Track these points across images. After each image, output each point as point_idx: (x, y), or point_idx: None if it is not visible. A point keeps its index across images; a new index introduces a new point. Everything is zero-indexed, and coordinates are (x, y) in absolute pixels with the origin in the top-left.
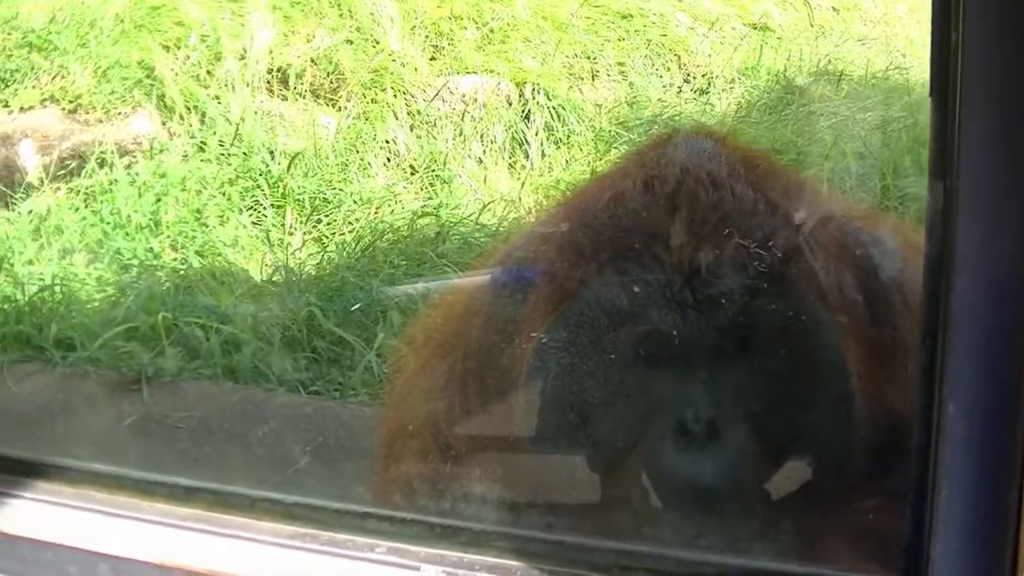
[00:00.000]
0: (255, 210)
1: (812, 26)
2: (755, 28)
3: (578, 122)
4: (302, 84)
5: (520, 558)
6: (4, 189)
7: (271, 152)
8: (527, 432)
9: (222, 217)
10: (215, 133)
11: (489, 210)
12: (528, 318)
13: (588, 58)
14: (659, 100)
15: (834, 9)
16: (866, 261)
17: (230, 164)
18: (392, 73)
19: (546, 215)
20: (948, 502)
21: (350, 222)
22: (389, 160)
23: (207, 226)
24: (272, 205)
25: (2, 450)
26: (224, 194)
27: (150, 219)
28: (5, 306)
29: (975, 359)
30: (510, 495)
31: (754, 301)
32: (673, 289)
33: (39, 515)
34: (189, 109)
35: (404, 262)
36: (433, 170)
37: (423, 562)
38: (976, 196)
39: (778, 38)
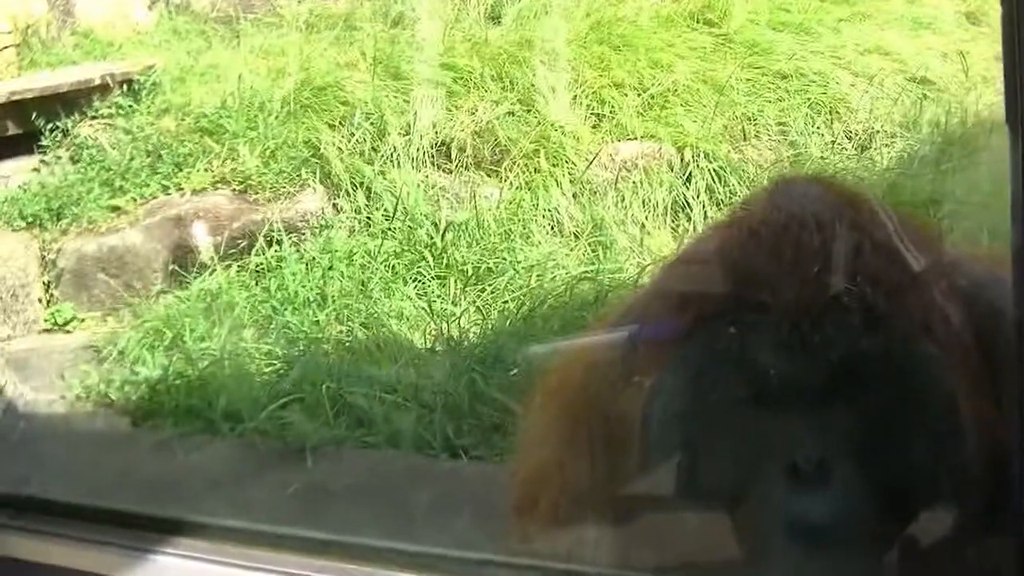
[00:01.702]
0: (419, 281)
1: (967, 77)
2: (915, 81)
3: (739, 184)
4: (465, 157)
5: None
6: (178, 269)
7: (435, 224)
8: (643, 480)
9: (387, 289)
10: (380, 208)
11: (649, 273)
12: (641, 369)
13: (748, 119)
14: (820, 158)
15: (996, 58)
16: (982, 299)
17: (395, 238)
18: (554, 142)
19: (660, 270)
20: None
21: (511, 290)
22: (551, 228)
23: (372, 298)
24: (436, 276)
25: (153, 511)
26: (389, 267)
27: (317, 293)
28: (177, 381)
29: None
30: (626, 537)
31: (862, 341)
32: (780, 332)
33: (180, 569)
34: (355, 185)
35: (563, 326)
36: (595, 236)
37: None
38: None
39: (939, 90)
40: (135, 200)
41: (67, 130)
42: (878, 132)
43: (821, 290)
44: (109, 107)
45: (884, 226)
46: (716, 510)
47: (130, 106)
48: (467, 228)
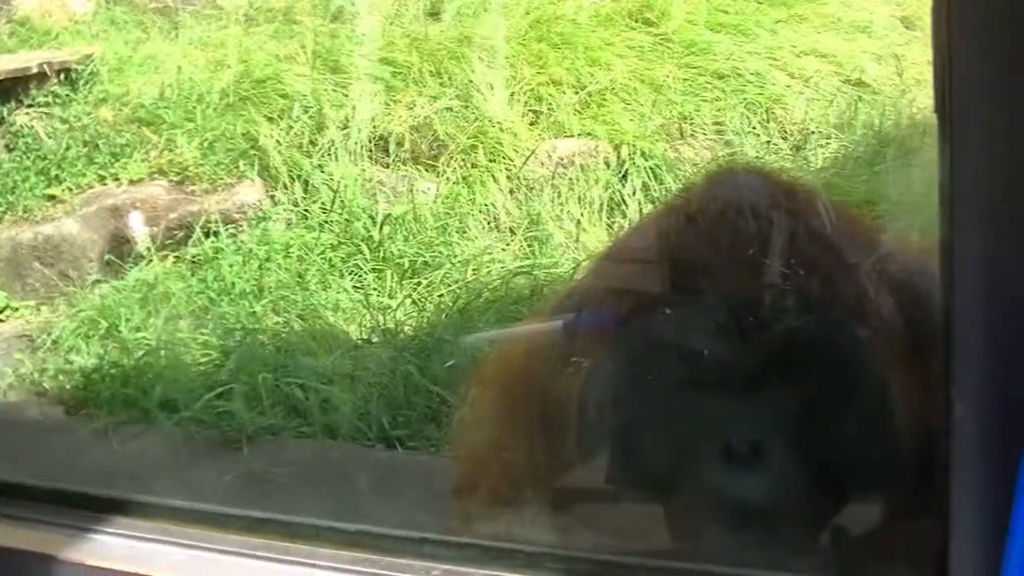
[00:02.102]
0: (356, 274)
1: (901, 80)
2: (850, 83)
3: (675, 181)
4: (403, 151)
5: None
6: (114, 259)
7: (372, 218)
8: (581, 461)
9: (323, 281)
10: (318, 200)
11: (583, 269)
12: (580, 353)
13: (685, 118)
14: (756, 157)
15: (930, 61)
16: (913, 288)
17: (332, 230)
18: (491, 138)
19: (599, 256)
20: (961, 502)
21: (447, 283)
22: (488, 223)
23: (308, 290)
24: (372, 269)
25: (93, 490)
26: (326, 259)
27: (254, 285)
28: (113, 370)
29: (977, 363)
30: (564, 519)
31: (796, 326)
32: (716, 317)
33: (123, 548)
34: (292, 178)
35: (498, 320)
36: (531, 231)
37: None
38: (973, 200)
39: (873, 92)
40: (71, 189)
41: (3, 118)
42: (813, 132)
43: (757, 276)
44: (46, 96)
45: (820, 215)
46: (653, 491)
47: (67, 95)
48: (404, 222)
